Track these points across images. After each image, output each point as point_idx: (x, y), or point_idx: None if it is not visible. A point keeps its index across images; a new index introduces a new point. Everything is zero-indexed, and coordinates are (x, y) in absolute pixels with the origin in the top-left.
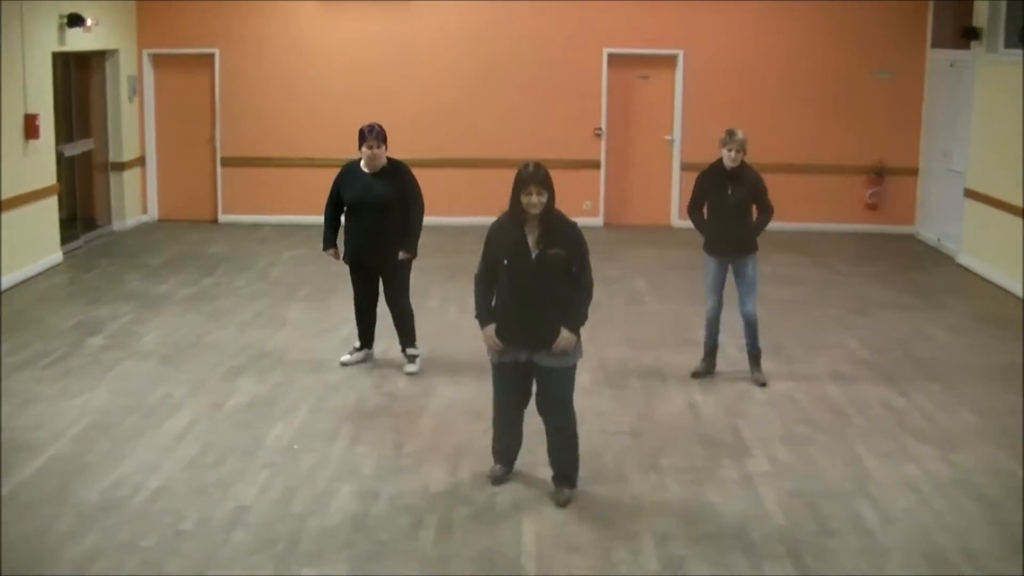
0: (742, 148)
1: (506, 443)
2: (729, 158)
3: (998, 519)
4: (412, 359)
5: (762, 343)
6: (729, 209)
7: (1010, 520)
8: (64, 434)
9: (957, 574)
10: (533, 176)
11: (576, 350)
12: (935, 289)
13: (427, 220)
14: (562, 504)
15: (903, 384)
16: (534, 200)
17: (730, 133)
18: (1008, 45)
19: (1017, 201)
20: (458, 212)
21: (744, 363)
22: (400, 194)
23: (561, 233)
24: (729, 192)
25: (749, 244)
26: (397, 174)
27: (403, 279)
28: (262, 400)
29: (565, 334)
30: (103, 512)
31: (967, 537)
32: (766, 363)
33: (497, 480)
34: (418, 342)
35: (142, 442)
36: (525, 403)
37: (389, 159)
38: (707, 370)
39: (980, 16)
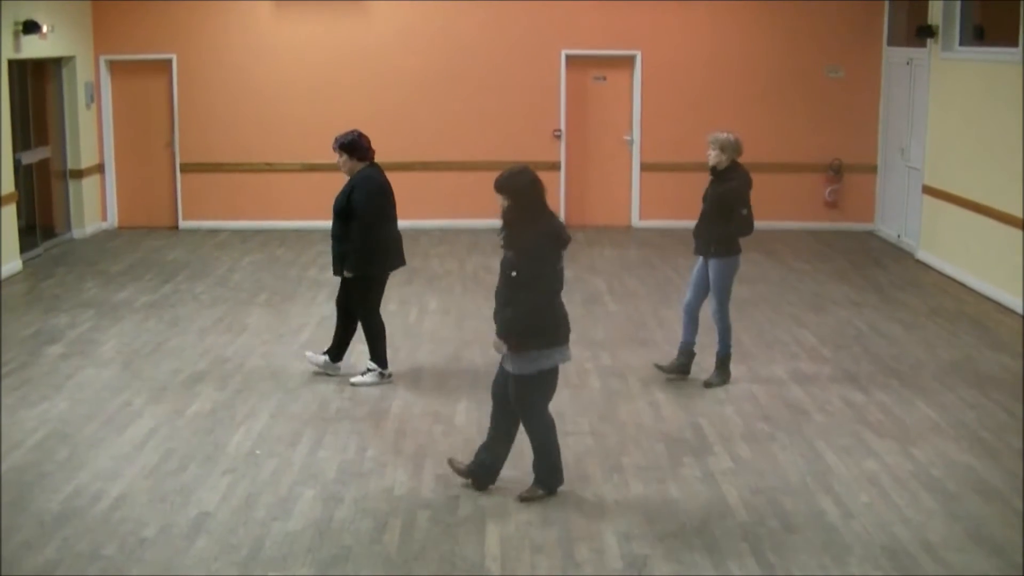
0: (715, 147)
1: (484, 444)
2: (707, 157)
3: (955, 512)
4: (364, 372)
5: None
6: (703, 209)
7: (967, 512)
8: (23, 444)
9: (916, 566)
10: (495, 183)
11: (518, 361)
12: (892, 285)
13: None
14: (521, 498)
15: (861, 380)
16: (500, 205)
17: (712, 134)
18: (963, 43)
19: (973, 197)
20: (416, 215)
21: (706, 362)
22: (348, 204)
23: (516, 238)
24: (706, 192)
25: (707, 247)
26: (352, 184)
27: (355, 292)
28: (223, 406)
29: (495, 337)
30: (63, 521)
31: (926, 530)
32: None
33: (458, 470)
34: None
35: (102, 450)
36: (503, 407)
37: (368, 167)
38: (674, 368)
39: (935, 14)
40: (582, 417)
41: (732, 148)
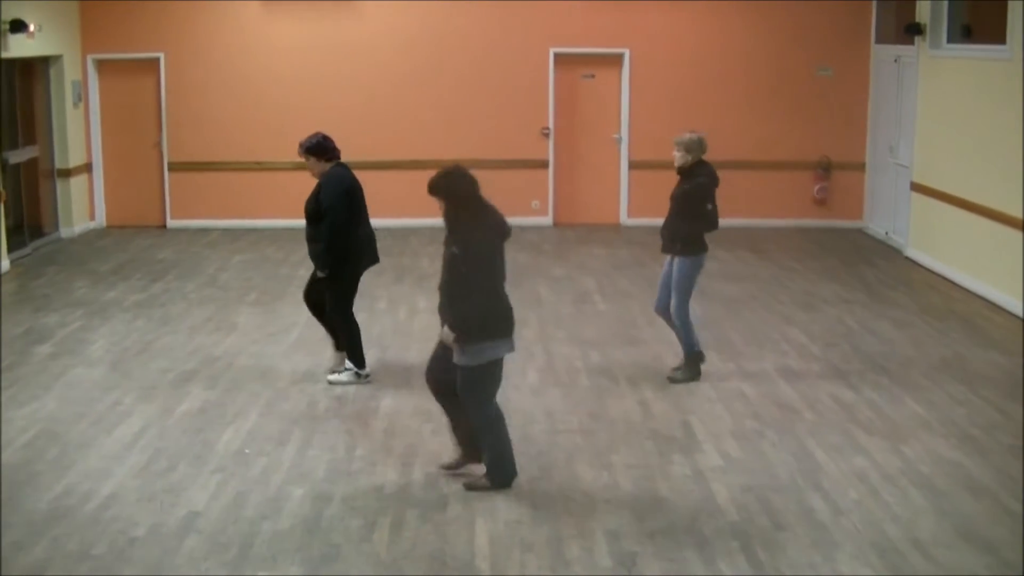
0: (681, 148)
1: (453, 427)
2: (674, 158)
3: (944, 509)
4: (341, 370)
5: (710, 339)
6: (670, 207)
7: (956, 509)
8: (12, 443)
9: (905, 563)
10: (428, 186)
11: (468, 353)
12: (882, 283)
13: (375, 222)
14: (466, 486)
15: (851, 378)
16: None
17: (677, 136)
18: (951, 40)
19: (961, 194)
20: (405, 214)
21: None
22: (317, 205)
23: (453, 235)
24: (674, 191)
25: (672, 245)
26: (320, 185)
27: (329, 290)
28: (212, 405)
29: (444, 328)
30: (53, 521)
31: (915, 527)
32: (713, 359)
33: (447, 467)
34: (368, 345)
35: (92, 450)
36: (443, 392)
37: (335, 166)
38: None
39: (923, 12)
40: (572, 415)
41: (698, 147)
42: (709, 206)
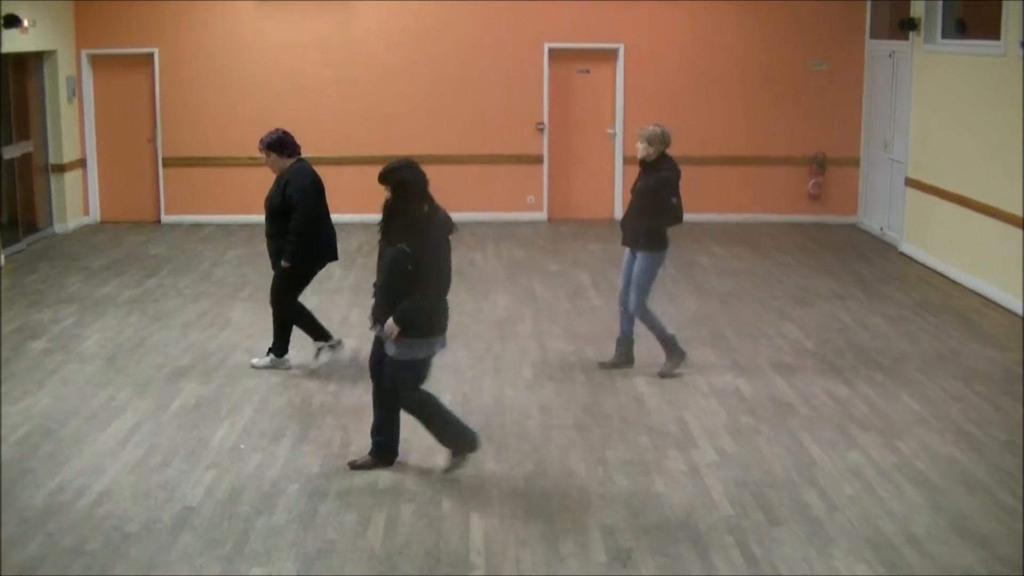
0: (643, 140)
1: (375, 427)
2: (636, 150)
3: (940, 504)
4: (266, 354)
5: (704, 334)
6: (631, 201)
7: (951, 505)
8: (6, 439)
9: (900, 558)
10: (379, 175)
11: (404, 348)
12: (876, 278)
13: (372, 218)
14: (444, 471)
15: (846, 373)
16: (386, 197)
17: (640, 128)
18: (945, 36)
19: (956, 189)
20: None
21: (690, 356)
22: (283, 200)
23: (403, 231)
24: (635, 184)
25: (635, 239)
26: (285, 179)
27: (281, 279)
28: (207, 401)
29: (388, 321)
30: (47, 517)
31: (910, 522)
32: (708, 354)
33: (355, 466)
34: (364, 341)
35: (86, 446)
36: (382, 384)
37: (297, 161)
38: (617, 362)
39: (917, 7)
40: (566, 411)
41: (660, 140)
42: (674, 200)
